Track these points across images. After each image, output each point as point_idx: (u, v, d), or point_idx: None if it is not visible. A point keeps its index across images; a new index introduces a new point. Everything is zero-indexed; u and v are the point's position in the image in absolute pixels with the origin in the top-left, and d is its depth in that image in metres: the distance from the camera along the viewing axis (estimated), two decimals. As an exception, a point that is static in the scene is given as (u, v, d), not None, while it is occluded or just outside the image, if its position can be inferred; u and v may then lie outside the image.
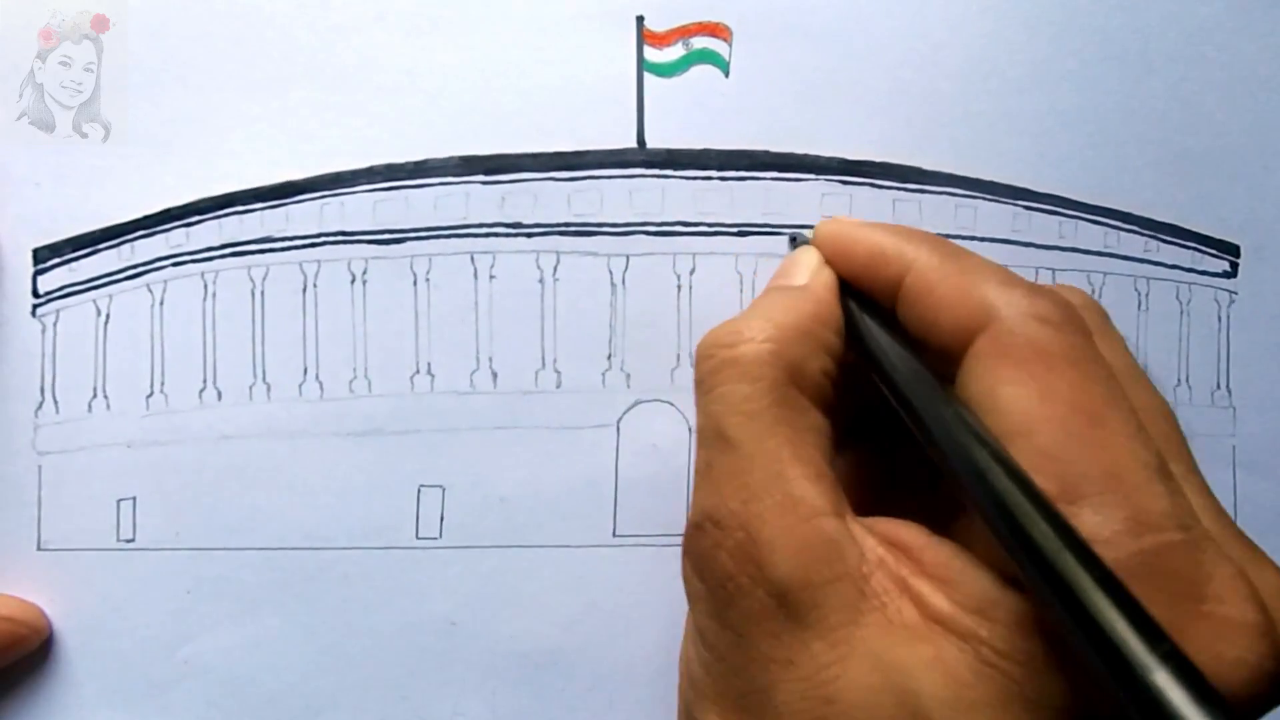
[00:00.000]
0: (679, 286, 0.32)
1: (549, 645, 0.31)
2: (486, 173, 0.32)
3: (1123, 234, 0.33)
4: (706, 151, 0.32)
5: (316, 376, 0.32)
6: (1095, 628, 0.18)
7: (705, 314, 0.32)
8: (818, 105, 0.32)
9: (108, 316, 0.32)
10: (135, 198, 0.32)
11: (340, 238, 0.32)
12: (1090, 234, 0.33)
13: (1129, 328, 0.33)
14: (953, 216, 0.32)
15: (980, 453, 0.21)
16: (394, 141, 0.32)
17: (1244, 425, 0.33)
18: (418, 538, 0.31)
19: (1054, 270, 0.33)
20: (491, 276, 0.32)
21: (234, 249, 0.32)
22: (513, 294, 0.32)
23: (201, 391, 0.32)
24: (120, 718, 0.31)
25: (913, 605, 0.21)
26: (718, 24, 0.32)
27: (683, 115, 0.32)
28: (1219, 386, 0.33)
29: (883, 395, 0.25)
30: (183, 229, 0.32)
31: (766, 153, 0.32)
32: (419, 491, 0.32)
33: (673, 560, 0.32)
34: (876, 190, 0.32)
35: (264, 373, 0.32)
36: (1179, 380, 0.33)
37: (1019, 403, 0.22)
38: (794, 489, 0.22)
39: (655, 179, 0.32)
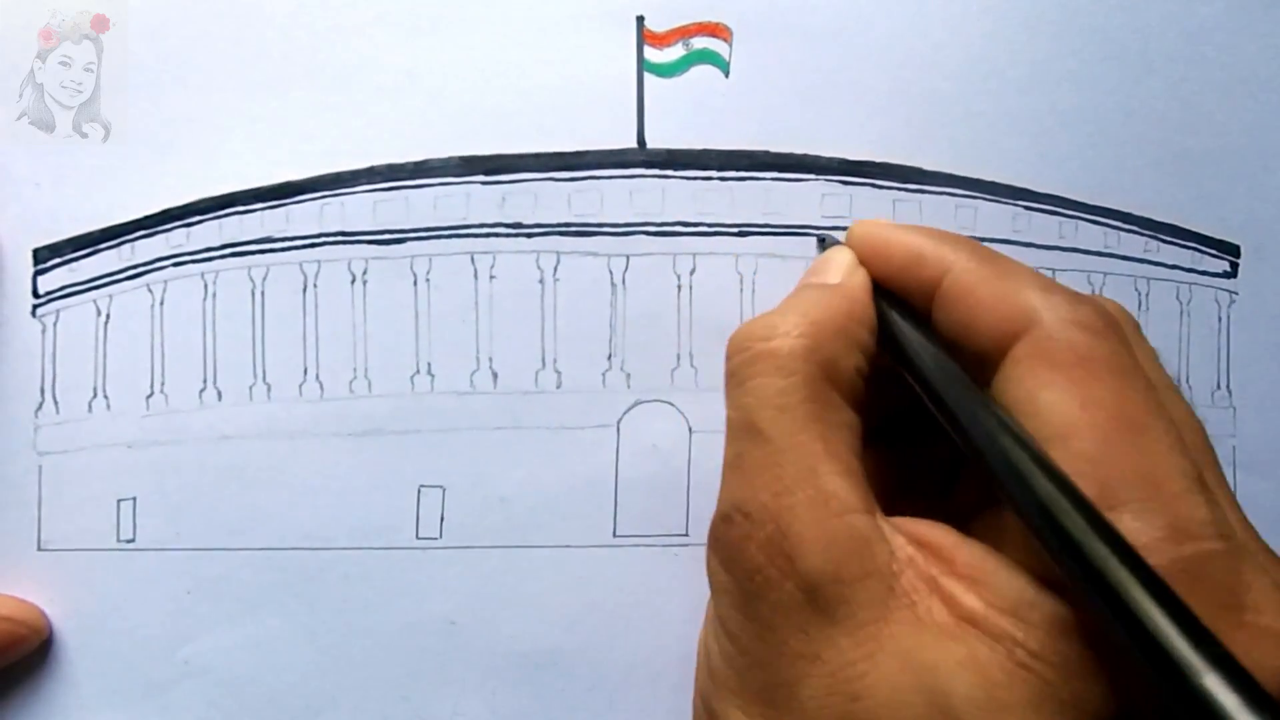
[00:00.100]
0: (679, 286, 0.32)
1: (549, 645, 0.31)
2: (486, 173, 0.32)
3: (1123, 234, 0.33)
4: (706, 151, 0.32)
5: (316, 376, 0.32)
6: (1142, 630, 0.18)
7: (705, 314, 0.32)
8: (818, 105, 0.32)
9: (108, 316, 0.32)
10: (135, 198, 0.32)
11: (340, 238, 0.32)
12: (1090, 234, 0.33)
13: (1129, 328, 0.33)
14: (953, 216, 0.32)
15: (1021, 455, 0.21)
16: (394, 141, 0.32)
17: (1244, 425, 0.33)
18: (418, 538, 0.31)
19: (1054, 270, 0.33)
20: (491, 276, 0.32)
21: (234, 249, 0.32)
22: (513, 294, 0.32)
23: (201, 392, 0.32)
24: (120, 718, 0.31)
25: (943, 605, 0.21)
26: (718, 24, 0.32)
27: (683, 115, 0.32)
28: (1219, 386, 0.33)
29: (903, 397, 0.25)
30: (183, 229, 0.32)
31: (766, 153, 0.32)
32: (419, 491, 0.31)
33: (673, 560, 0.32)
34: (876, 190, 0.32)
35: (264, 373, 0.32)
36: (1179, 380, 0.33)
37: (1060, 408, 0.22)
38: (826, 484, 0.22)
39: (655, 179, 0.32)
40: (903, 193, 0.32)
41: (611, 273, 0.32)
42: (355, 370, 0.32)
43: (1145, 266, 0.33)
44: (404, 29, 0.32)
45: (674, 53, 0.32)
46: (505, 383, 0.32)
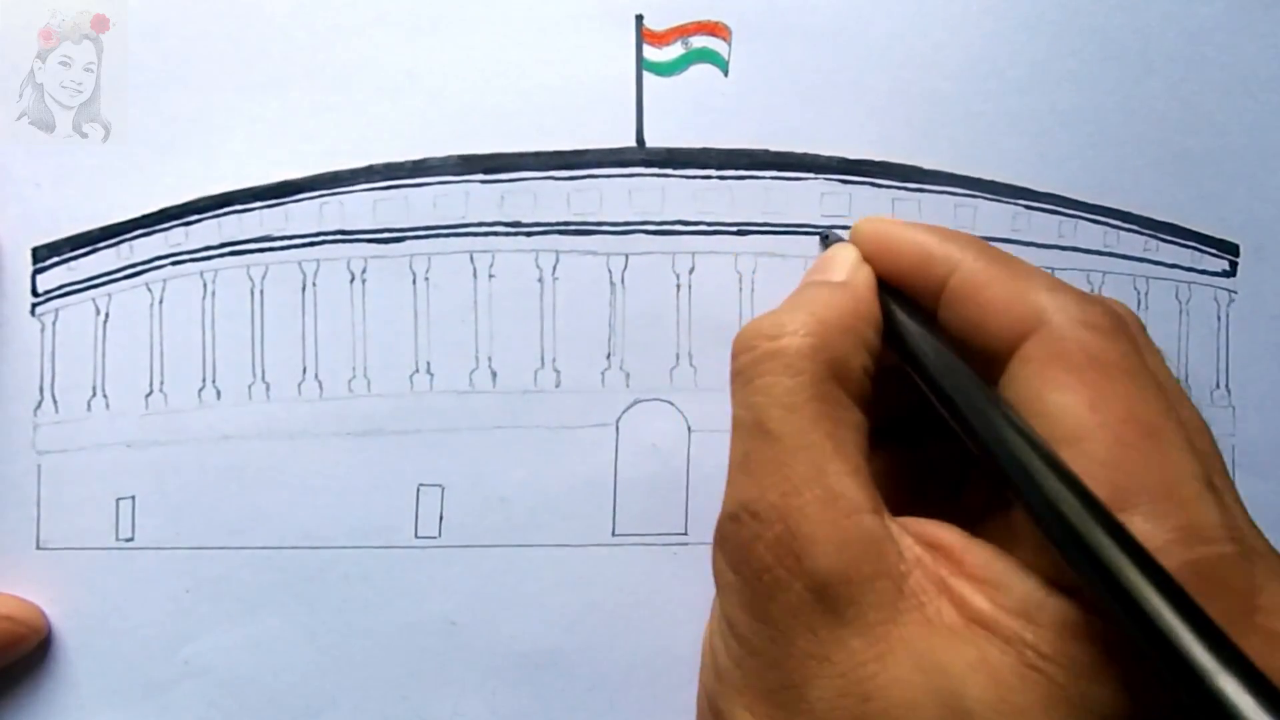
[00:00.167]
0: (678, 286, 0.32)
1: (549, 645, 0.31)
2: (486, 172, 0.32)
3: (1122, 233, 0.33)
4: (706, 151, 0.32)
5: (316, 376, 0.32)
6: (1156, 632, 0.18)
7: (704, 313, 0.32)
8: (817, 104, 0.32)
9: (107, 316, 0.32)
10: (135, 197, 0.32)
11: (339, 237, 0.32)
12: (1090, 233, 0.33)
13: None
14: (952, 216, 0.32)
15: (1032, 456, 0.21)
16: (393, 140, 0.32)
17: (1244, 425, 0.33)
18: (417, 537, 0.31)
19: (1054, 269, 0.33)
20: (491, 276, 0.32)
21: (233, 248, 0.32)
22: (512, 293, 0.32)
23: (201, 391, 0.32)
24: (120, 717, 0.31)
25: (952, 606, 0.21)
26: (717, 23, 0.32)
27: (682, 114, 0.32)
28: (1219, 386, 0.33)
29: (909, 397, 0.25)
30: (182, 228, 0.32)
31: (766, 152, 0.32)
32: (418, 491, 0.31)
33: (672, 559, 0.32)
34: (876, 190, 0.32)
35: (263, 372, 0.32)
36: (1179, 380, 0.33)
37: (1070, 409, 0.22)
38: (835, 484, 0.22)
39: (655, 178, 0.32)
40: (902, 192, 0.32)
41: (611, 272, 0.32)
42: (354, 369, 0.32)
43: (1145, 266, 0.33)
44: (403, 29, 0.32)
45: (673, 52, 0.32)
46: (504, 382, 0.32)
